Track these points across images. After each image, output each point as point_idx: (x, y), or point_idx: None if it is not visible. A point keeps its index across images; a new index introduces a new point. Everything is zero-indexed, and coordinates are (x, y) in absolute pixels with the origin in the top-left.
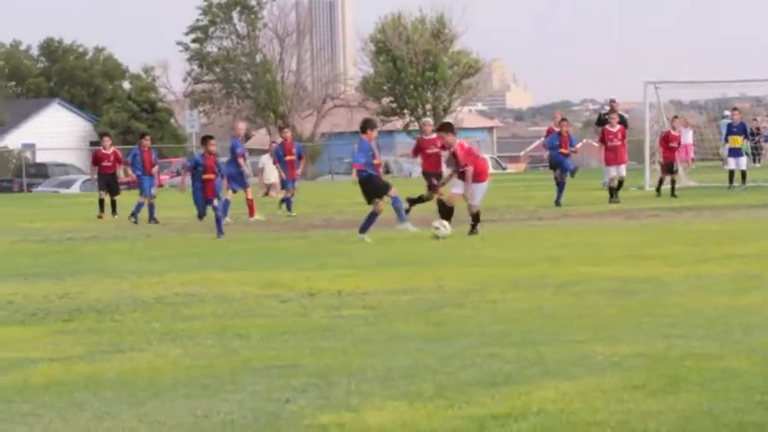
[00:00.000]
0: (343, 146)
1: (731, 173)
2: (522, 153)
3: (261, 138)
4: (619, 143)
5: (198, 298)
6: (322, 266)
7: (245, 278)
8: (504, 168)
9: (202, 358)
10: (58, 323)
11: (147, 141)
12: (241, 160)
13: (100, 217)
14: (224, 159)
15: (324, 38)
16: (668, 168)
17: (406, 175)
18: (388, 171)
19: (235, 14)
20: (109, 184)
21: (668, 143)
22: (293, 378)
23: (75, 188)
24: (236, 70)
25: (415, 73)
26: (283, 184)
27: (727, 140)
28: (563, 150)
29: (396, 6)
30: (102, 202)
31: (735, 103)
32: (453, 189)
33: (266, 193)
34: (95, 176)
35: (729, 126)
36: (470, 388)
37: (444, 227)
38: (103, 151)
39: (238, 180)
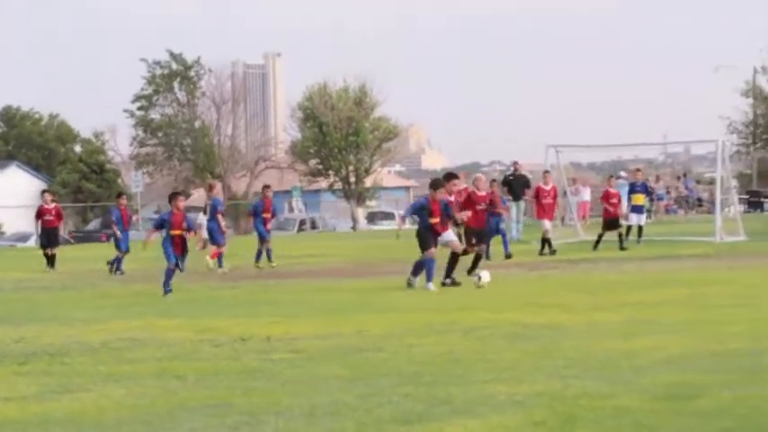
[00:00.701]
0: (275, 203)
1: (629, 228)
2: None
3: (200, 196)
4: (551, 201)
5: (140, 343)
6: (253, 314)
7: (183, 325)
8: None
9: (144, 398)
10: (13, 365)
11: (123, 200)
12: (219, 216)
13: (48, 270)
14: (194, 216)
15: (257, 105)
16: (610, 224)
17: (331, 230)
18: (314, 226)
19: (176, 84)
20: (49, 237)
21: (609, 200)
22: (226, 416)
23: (31, 242)
24: (177, 135)
25: (339, 137)
26: (261, 238)
27: (629, 199)
28: (498, 210)
29: (322, 77)
30: (47, 256)
31: (629, 165)
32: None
33: (203, 247)
34: (39, 230)
35: (632, 185)
36: (387, 425)
37: (484, 275)
38: (45, 206)
39: (217, 234)
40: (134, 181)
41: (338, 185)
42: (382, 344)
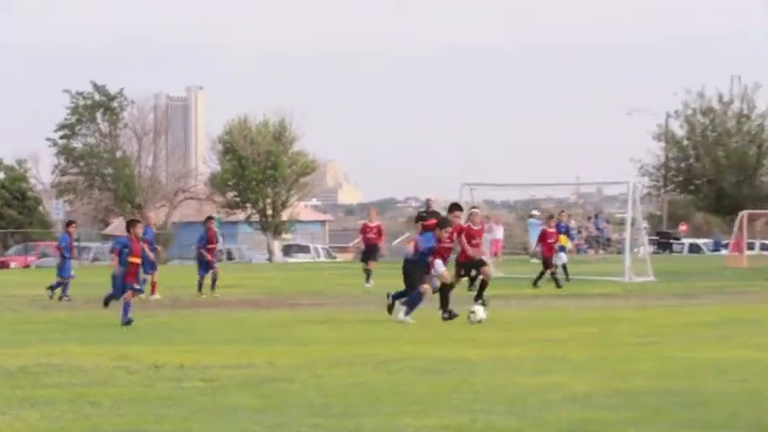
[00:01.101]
0: (193, 233)
1: (565, 266)
2: (351, 244)
3: (119, 225)
4: (479, 240)
5: (57, 368)
6: (168, 342)
7: (98, 351)
8: (334, 258)
9: (58, 422)
10: None
11: (72, 228)
12: (145, 246)
13: None
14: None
15: (178, 137)
16: (548, 262)
17: (248, 262)
18: (230, 257)
19: (99, 115)
20: None
21: (546, 239)
22: None
23: None
24: (99, 165)
25: (258, 171)
26: (205, 268)
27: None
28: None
29: (242, 111)
30: None
31: (542, 204)
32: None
33: None
34: None
35: (558, 225)
36: None
37: (480, 310)
38: None
39: (147, 263)
40: (54, 209)
41: (255, 218)
42: (293, 375)
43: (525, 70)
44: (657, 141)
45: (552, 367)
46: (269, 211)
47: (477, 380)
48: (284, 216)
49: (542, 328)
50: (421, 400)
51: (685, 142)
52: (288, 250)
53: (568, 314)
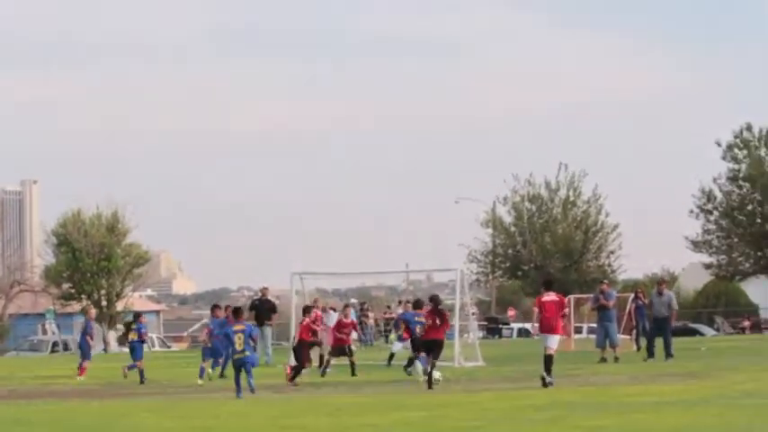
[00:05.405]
0: (28, 325)
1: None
2: (186, 333)
3: None
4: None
5: None
6: None
7: None
8: (169, 347)
9: None
10: None
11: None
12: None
13: None
14: None
15: (13, 230)
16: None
17: None
18: (67, 348)
19: None
20: None
21: (340, 329)
22: None
23: None
24: None
25: (92, 262)
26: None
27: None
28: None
29: (76, 203)
30: None
31: (373, 291)
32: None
33: None
34: None
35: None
36: None
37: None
38: None
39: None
40: None
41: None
42: None
43: (352, 158)
44: (485, 228)
45: None
46: (104, 302)
47: None
48: (119, 306)
49: (369, 413)
50: None
51: (512, 228)
52: (123, 340)
53: (396, 399)
